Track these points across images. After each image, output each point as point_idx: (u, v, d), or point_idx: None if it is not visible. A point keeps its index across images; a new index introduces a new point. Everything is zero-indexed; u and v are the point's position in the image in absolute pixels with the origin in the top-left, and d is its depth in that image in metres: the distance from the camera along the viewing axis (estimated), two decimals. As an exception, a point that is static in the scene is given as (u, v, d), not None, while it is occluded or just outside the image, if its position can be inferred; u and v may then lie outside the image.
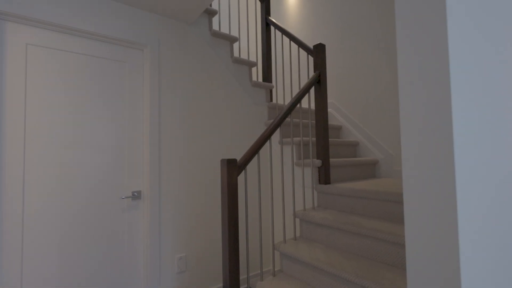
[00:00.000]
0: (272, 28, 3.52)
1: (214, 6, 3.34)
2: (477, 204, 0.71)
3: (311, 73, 3.16)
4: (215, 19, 3.32)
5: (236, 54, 3.50)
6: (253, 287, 2.00)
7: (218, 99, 2.17)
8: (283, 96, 2.49)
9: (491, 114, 0.77)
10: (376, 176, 2.43)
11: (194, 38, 2.07)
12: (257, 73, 2.47)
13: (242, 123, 2.29)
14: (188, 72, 2.03)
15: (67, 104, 1.62)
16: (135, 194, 1.82)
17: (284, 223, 1.68)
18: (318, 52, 1.95)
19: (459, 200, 0.66)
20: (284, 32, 2.29)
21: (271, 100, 2.54)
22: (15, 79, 1.48)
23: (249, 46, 2.61)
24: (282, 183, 1.72)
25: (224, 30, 3.39)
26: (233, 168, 1.42)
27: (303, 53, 3.25)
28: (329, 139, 2.37)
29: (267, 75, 2.60)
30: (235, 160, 1.42)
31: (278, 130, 2.22)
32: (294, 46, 3.37)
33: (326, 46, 2.94)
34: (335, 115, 2.85)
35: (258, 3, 3.79)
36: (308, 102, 1.90)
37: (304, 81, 3.22)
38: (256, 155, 2.14)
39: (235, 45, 3.44)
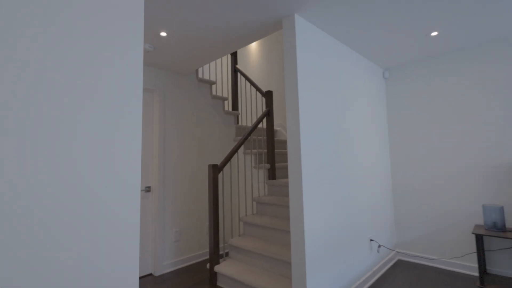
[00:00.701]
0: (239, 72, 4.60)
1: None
2: (314, 213, 1.83)
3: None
4: (200, 69, 4.31)
5: (214, 92, 4.52)
6: (227, 242, 2.99)
7: (202, 123, 3.17)
8: (246, 120, 3.56)
9: (324, 164, 1.92)
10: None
11: (187, 83, 3.07)
12: (228, 105, 3.52)
13: (218, 139, 3.31)
14: (183, 105, 3.01)
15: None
16: (147, 188, 2.73)
17: (245, 204, 2.72)
18: (268, 96, 3.07)
19: (305, 210, 1.77)
20: (246, 77, 3.38)
21: (238, 123, 3.60)
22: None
23: (222, 86, 3.71)
24: (245, 179, 2.76)
25: (206, 76, 4.41)
26: (215, 170, 2.43)
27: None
28: (276, 150, 3.49)
29: (235, 106, 3.66)
30: (217, 164, 2.44)
31: (243, 145, 3.28)
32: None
33: (277, 80, 4.09)
34: (282, 132, 3.99)
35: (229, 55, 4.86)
36: (262, 126, 3.00)
37: (260, 109, 4.35)
38: (229, 161, 3.17)
39: (214, 86, 4.46)
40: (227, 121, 3.44)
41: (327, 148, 2.05)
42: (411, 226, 2.93)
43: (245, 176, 2.90)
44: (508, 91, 2.44)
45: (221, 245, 3.19)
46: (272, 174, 3.00)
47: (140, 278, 2.63)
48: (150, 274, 2.70)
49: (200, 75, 4.26)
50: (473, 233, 2.29)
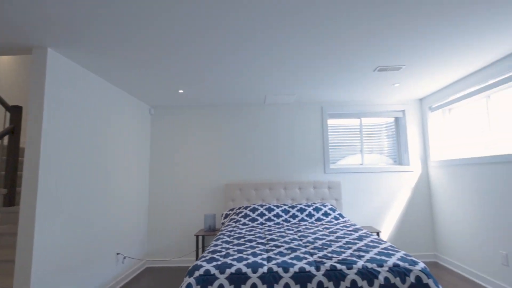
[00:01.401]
0: None
1: None
2: (50, 237, 1.96)
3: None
4: None
5: None
6: None
7: None
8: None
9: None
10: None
11: None
12: None
13: None
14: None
15: None
16: None
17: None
18: (15, 111, 2.71)
19: (36, 235, 1.87)
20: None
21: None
22: None
23: None
24: (-38, 208, 2.24)
25: None
26: None
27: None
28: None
29: None
30: None
31: (-35, 164, 2.60)
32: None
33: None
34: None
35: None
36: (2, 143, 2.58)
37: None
38: None
39: None
40: None
41: (74, 174, 2.22)
42: (162, 235, 3.61)
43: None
44: (229, 139, 3.78)
45: None
46: (9, 200, 2.63)
47: None
48: None
49: None
50: (194, 235, 3.26)
